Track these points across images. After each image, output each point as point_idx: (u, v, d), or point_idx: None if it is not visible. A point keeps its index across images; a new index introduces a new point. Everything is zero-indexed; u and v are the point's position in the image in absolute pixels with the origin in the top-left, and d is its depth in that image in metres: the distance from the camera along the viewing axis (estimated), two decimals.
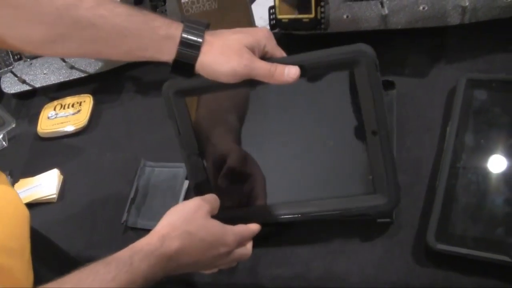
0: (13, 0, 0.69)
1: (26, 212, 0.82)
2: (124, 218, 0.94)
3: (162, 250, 0.68)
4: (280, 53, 0.76)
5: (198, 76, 0.73)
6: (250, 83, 0.73)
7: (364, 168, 0.76)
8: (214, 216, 0.76)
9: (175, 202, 0.93)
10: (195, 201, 0.75)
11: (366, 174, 0.76)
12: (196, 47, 0.70)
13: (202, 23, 0.72)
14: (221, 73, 0.71)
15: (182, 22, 0.72)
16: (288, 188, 0.82)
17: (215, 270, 0.77)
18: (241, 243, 0.76)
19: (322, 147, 0.79)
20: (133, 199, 0.96)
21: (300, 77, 0.73)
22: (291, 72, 0.72)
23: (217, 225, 0.74)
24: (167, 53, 0.71)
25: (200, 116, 0.84)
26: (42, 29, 0.70)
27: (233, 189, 0.85)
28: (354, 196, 0.77)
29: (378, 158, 0.74)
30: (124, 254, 0.67)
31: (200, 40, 0.70)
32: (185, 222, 0.72)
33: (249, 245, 0.77)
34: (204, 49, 0.70)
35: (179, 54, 0.70)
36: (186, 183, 0.95)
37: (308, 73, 0.74)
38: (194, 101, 0.82)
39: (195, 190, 0.86)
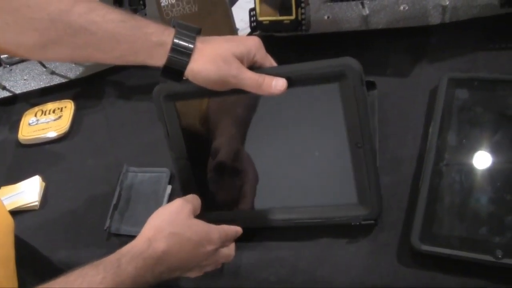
0: (5, 6, 0.69)
1: (10, 220, 0.81)
2: (107, 224, 0.93)
3: (149, 252, 0.69)
4: (270, 62, 0.77)
5: (189, 81, 0.73)
6: (239, 91, 0.74)
7: (348, 179, 0.77)
8: (199, 217, 0.76)
9: (158, 207, 0.91)
10: (177, 202, 0.76)
11: (350, 185, 0.77)
12: (186, 54, 0.70)
13: (194, 29, 0.72)
14: (209, 81, 0.72)
15: (174, 27, 0.72)
16: (273, 194, 0.83)
17: (200, 273, 0.76)
18: (225, 242, 0.76)
19: (308, 157, 0.80)
20: (116, 205, 0.95)
21: (288, 88, 0.74)
22: (279, 84, 0.73)
23: (200, 223, 0.74)
24: (159, 59, 0.71)
25: (192, 121, 0.85)
26: (34, 35, 0.70)
27: (220, 192, 0.86)
28: (337, 205, 0.79)
29: (362, 170, 0.76)
30: (111, 257, 0.68)
31: (191, 46, 0.70)
32: (169, 224, 0.72)
33: (232, 246, 0.78)
34: (194, 57, 0.70)
35: (169, 60, 0.70)
36: (169, 188, 0.95)
37: (295, 84, 0.75)
38: (184, 105, 0.83)
39: (183, 192, 0.86)
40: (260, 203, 0.83)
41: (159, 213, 0.75)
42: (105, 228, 0.93)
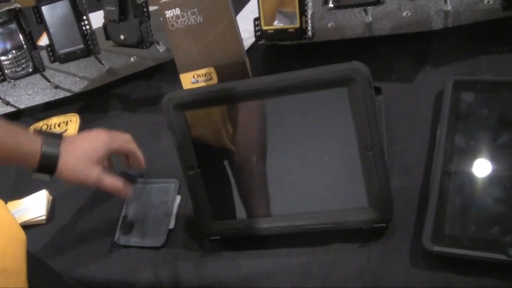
0: None
1: (22, 234, 0.82)
2: (117, 236, 0.93)
3: None
4: (139, 155, 0.91)
5: (198, 89, 0.74)
6: (249, 98, 0.76)
7: (358, 183, 0.78)
8: (209, 230, 0.80)
9: (168, 217, 0.93)
10: None
11: (361, 189, 0.78)
12: (53, 158, 0.82)
13: (57, 136, 0.85)
14: (77, 180, 0.84)
15: (39, 135, 0.83)
16: (284, 201, 0.83)
17: None
18: None
19: (317, 162, 0.80)
20: (125, 217, 0.96)
21: (296, 94, 0.77)
22: (130, 191, 0.89)
23: None
24: (32, 163, 0.81)
25: (202, 130, 0.86)
26: None
27: (230, 201, 0.86)
28: (348, 210, 0.79)
29: (372, 174, 0.76)
30: None
31: (56, 152, 0.82)
32: None
33: None
34: (61, 160, 0.82)
35: (40, 165, 0.81)
36: (178, 198, 0.95)
37: (304, 90, 0.76)
38: (194, 114, 0.83)
39: (193, 201, 0.86)
40: (271, 210, 0.83)
41: None
42: (114, 240, 0.93)
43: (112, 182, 0.86)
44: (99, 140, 0.86)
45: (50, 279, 0.93)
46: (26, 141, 0.81)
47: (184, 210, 0.94)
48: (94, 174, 0.83)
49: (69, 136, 0.87)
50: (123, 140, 0.90)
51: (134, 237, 0.94)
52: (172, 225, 0.92)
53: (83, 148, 0.85)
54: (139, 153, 0.91)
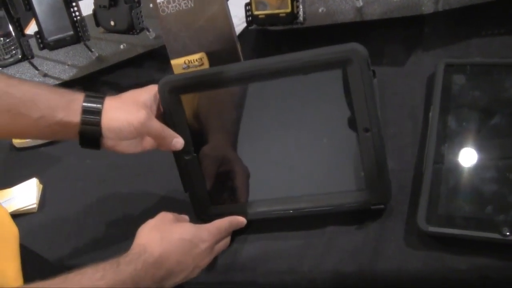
0: None
1: (14, 229, 0.82)
2: None
3: (146, 256, 0.72)
4: None
5: (194, 72, 0.73)
6: (246, 80, 0.77)
7: (356, 164, 0.78)
8: (206, 215, 0.81)
9: None
10: (158, 215, 0.80)
11: (358, 171, 0.78)
12: (98, 103, 0.76)
13: (100, 95, 0.79)
14: (120, 129, 0.76)
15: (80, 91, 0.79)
16: (281, 184, 0.83)
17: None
18: (220, 237, 0.79)
19: (315, 144, 0.81)
20: None
21: (294, 76, 0.77)
22: (178, 143, 0.81)
23: (187, 224, 0.78)
24: (74, 113, 0.76)
25: (198, 114, 0.85)
26: None
27: (227, 185, 0.87)
28: (346, 192, 0.79)
29: (370, 155, 0.76)
30: (110, 260, 0.71)
31: (100, 102, 0.77)
32: (158, 231, 0.76)
33: (227, 239, 0.81)
34: (105, 107, 0.76)
35: (84, 111, 0.76)
36: None
37: (302, 72, 0.77)
38: (190, 98, 0.83)
39: (190, 186, 0.86)
40: (268, 193, 0.83)
41: (146, 226, 0.78)
42: None
43: (162, 127, 0.79)
44: (143, 88, 0.82)
45: (40, 268, 0.93)
46: (67, 91, 0.78)
47: (179, 195, 0.93)
48: (142, 114, 0.76)
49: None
50: None
51: None
52: None
53: (127, 94, 0.80)
54: None
